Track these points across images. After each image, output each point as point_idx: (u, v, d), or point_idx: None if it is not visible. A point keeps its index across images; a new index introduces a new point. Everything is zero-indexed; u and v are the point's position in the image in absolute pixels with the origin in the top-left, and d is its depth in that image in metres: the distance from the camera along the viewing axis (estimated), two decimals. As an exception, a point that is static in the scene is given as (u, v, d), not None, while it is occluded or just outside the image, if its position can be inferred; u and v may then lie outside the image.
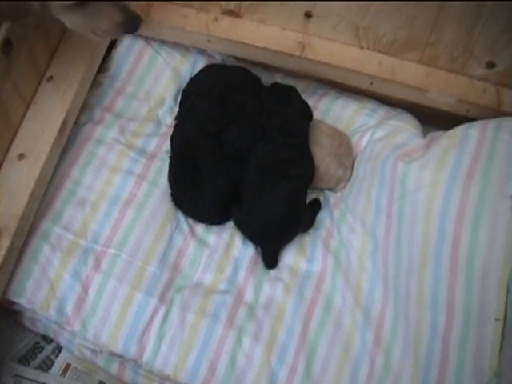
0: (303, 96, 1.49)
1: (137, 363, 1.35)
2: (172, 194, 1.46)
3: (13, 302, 1.37)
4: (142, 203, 1.45)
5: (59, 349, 1.46)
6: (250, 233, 1.44)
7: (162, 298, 1.38)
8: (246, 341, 1.34)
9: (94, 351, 1.39)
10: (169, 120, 1.55)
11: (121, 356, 1.35)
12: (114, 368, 1.41)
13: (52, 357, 1.46)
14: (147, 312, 1.37)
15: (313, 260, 1.43)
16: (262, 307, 1.38)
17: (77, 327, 1.35)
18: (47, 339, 1.46)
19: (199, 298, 1.39)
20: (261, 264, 1.43)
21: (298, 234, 1.43)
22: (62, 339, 1.43)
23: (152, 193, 1.48)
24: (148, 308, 1.37)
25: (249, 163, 1.43)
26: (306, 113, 1.46)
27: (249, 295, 1.41)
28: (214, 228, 1.47)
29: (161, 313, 1.37)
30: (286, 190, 1.37)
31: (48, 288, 1.37)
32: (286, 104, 1.44)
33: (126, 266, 1.40)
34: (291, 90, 1.48)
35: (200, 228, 1.47)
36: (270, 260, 1.43)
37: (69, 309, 1.36)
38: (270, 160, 1.42)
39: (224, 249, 1.46)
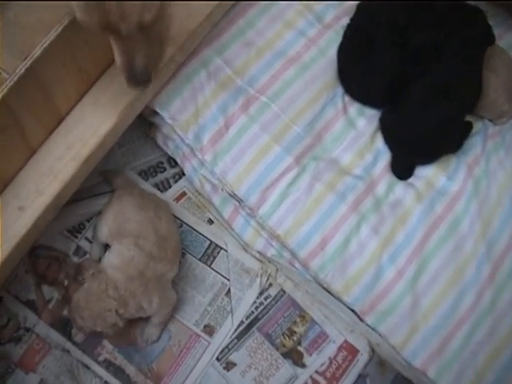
0: (490, 22, 1.30)
1: (252, 213, 1.32)
2: (339, 67, 1.39)
3: (154, 114, 1.35)
4: (306, 65, 1.39)
5: (180, 176, 1.44)
6: (392, 139, 1.37)
7: (297, 160, 1.33)
8: (365, 229, 1.28)
9: (214, 187, 1.37)
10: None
11: (240, 200, 1.32)
12: (228, 210, 1.38)
13: (171, 181, 1.44)
14: (280, 167, 1.32)
15: (453, 178, 1.35)
16: (389, 205, 1.32)
17: (208, 157, 1.33)
18: (172, 163, 1.42)
19: (332, 174, 1.34)
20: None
21: (441, 157, 1.35)
22: (188, 166, 1.40)
23: (318, 59, 1.41)
24: (282, 164, 1.33)
25: (417, 77, 1.31)
26: (489, 39, 1.30)
27: (380, 189, 1.35)
28: (368, 112, 1.36)
29: (292, 173, 1.33)
30: (444, 112, 1.26)
31: (193, 111, 1.33)
32: (469, 26, 1.32)
33: (273, 118, 1.34)
34: (478, 13, 1.36)
35: (353, 109, 1.40)
36: (404, 171, 1.37)
37: (206, 137, 1.33)
38: (437, 80, 1.28)
39: (370, 136, 1.38)
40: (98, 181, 1.33)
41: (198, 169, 1.38)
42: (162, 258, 1.18)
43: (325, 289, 1.25)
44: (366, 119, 1.39)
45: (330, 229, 1.29)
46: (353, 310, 1.22)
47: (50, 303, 1.28)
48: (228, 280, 1.33)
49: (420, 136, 1.29)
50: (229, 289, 1.33)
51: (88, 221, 1.33)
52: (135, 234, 1.16)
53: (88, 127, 1.13)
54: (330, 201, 1.31)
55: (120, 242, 1.16)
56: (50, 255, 1.31)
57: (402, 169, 1.35)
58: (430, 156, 1.35)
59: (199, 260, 1.35)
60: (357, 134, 1.38)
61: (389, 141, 1.37)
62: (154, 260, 1.16)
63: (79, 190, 1.12)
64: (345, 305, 1.23)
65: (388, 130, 1.37)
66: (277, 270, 1.33)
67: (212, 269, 1.34)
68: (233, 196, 1.29)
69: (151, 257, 1.15)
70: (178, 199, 1.40)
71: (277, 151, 1.33)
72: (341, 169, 1.34)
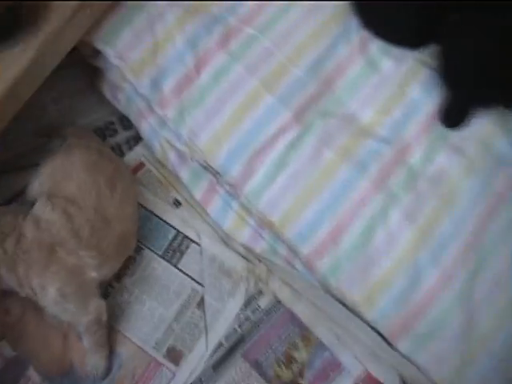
0: None
1: (234, 191, 0.97)
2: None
3: (97, 55, 1.01)
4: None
5: (136, 140, 1.11)
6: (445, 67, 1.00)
7: (298, 116, 0.97)
8: (395, 214, 0.93)
9: (181, 156, 1.02)
10: None
11: (217, 173, 0.97)
12: (200, 188, 1.03)
13: (124, 147, 1.10)
14: (273, 125, 0.96)
15: (516, 142, 0.94)
16: (428, 179, 0.96)
17: (171, 112, 0.97)
18: (125, 123, 1.11)
19: (347, 136, 0.97)
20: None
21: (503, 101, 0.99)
22: (145, 126, 1.05)
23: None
24: (276, 120, 0.97)
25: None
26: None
27: (414, 157, 0.97)
28: (395, 52, 1.03)
29: (291, 134, 0.96)
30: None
31: (149, 47, 0.99)
32: None
33: (264, 55, 0.99)
34: None
35: (374, 45, 1.03)
36: (455, 113, 1.01)
37: (168, 84, 0.98)
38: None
39: (399, 83, 1.02)
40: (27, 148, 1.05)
41: (158, 130, 1.03)
42: (90, 247, 0.90)
43: (337, 299, 0.94)
44: (394, 59, 1.02)
45: (344, 213, 0.94)
46: (377, 331, 0.90)
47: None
48: (201, 285, 1.02)
49: (478, 58, 0.96)
50: (202, 297, 1.02)
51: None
52: (69, 198, 0.90)
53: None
54: (345, 173, 0.95)
55: (47, 199, 0.89)
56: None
57: (457, 113, 1.00)
58: (488, 88, 0.99)
59: (161, 257, 1.04)
60: (381, 80, 1.02)
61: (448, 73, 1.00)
62: (78, 243, 0.89)
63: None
64: (366, 323, 0.92)
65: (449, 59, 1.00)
66: (269, 272, 1.02)
67: (179, 269, 1.03)
68: (207, 168, 0.98)
69: (76, 236, 0.89)
70: (133, 172, 1.08)
71: (269, 102, 0.97)
72: (359, 129, 0.98)
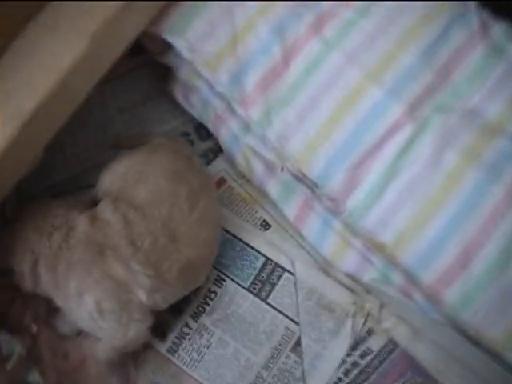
0: None
1: (335, 207, 0.79)
2: None
3: (167, 50, 0.87)
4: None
5: (216, 153, 0.95)
6: None
7: (412, 110, 0.78)
8: None
9: (268, 166, 0.85)
10: None
11: (313, 186, 0.80)
12: (294, 205, 0.86)
13: (202, 161, 0.93)
14: (382, 124, 0.78)
15: None
16: None
17: (256, 113, 0.80)
18: (202, 133, 0.95)
19: (472, 135, 0.78)
20: None
21: None
22: (224, 133, 0.89)
23: None
24: (385, 118, 0.78)
25: None
26: None
27: None
28: None
29: (403, 133, 0.78)
30: None
31: (227, 37, 0.83)
32: None
33: (366, 42, 0.82)
34: None
35: (499, 29, 0.85)
36: None
37: (251, 81, 0.81)
38: None
39: None
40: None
41: (240, 136, 0.86)
42: (147, 263, 0.73)
43: (471, 338, 0.74)
44: None
45: (476, 230, 0.74)
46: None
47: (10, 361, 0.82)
48: (297, 324, 0.83)
49: None
50: (298, 339, 0.82)
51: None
52: (134, 203, 0.75)
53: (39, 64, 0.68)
54: (475, 180, 0.76)
55: (112, 202, 0.75)
56: (9, 284, 0.82)
57: None
58: None
59: (247, 290, 0.85)
60: (508, 68, 0.82)
61: None
62: (133, 253, 0.73)
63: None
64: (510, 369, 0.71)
65: None
66: (381, 307, 0.81)
67: (269, 305, 0.84)
68: (301, 179, 0.80)
69: (131, 244, 0.73)
70: (212, 190, 0.89)
71: (376, 96, 0.79)
72: (486, 126, 0.79)
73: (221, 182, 0.91)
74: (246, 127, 0.83)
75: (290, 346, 0.82)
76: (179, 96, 0.91)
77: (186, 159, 0.82)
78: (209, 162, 0.93)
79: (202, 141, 0.94)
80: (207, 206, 0.78)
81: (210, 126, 0.89)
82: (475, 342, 0.74)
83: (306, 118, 0.77)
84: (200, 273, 0.80)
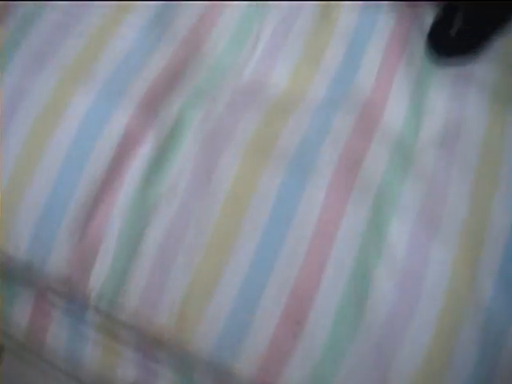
0: None
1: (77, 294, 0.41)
2: None
3: None
4: None
5: None
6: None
7: (149, 110, 0.44)
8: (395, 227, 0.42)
9: None
10: None
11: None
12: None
13: None
14: (106, 144, 0.46)
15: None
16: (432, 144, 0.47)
17: None
18: None
19: (257, 118, 0.48)
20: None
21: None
22: None
23: None
24: (111, 130, 0.45)
25: None
26: None
27: (390, 118, 0.49)
28: None
29: (144, 148, 0.43)
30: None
31: None
32: None
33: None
34: None
35: None
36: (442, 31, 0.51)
37: None
38: None
39: (320, 12, 0.55)
40: None
41: None
42: None
43: None
44: None
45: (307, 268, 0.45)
46: None
47: None
48: None
49: None
50: None
51: None
52: None
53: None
54: (274, 189, 0.49)
55: None
56: None
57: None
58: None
59: None
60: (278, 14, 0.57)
61: None
62: None
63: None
64: None
65: None
66: None
67: None
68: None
69: None
70: None
71: (87, 101, 0.50)
72: (274, 102, 0.52)
73: None
74: None
75: None
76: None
77: None
78: None
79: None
80: None
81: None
82: None
83: None
84: None
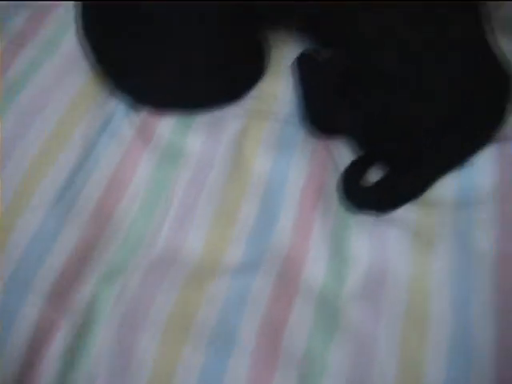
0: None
1: None
2: (99, 55, 0.59)
3: None
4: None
5: None
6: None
7: (54, 299, 0.43)
8: None
9: None
10: None
11: None
12: None
13: None
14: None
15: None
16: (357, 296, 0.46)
17: None
18: None
19: (180, 291, 0.46)
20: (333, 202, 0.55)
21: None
22: None
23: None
24: (13, 326, 0.45)
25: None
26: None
27: (311, 273, 0.48)
28: (199, 121, 0.58)
29: (58, 342, 0.45)
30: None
31: None
32: None
33: None
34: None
35: (163, 125, 0.57)
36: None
37: None
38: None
39: (231, 164, 0.56)
40: None
41: None
42: None
43: None
44: (202, 134, 0.59)
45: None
46: None
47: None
48: None
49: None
50: None
51: None
52: None
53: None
54: (196, 369, 0.46)
55: None
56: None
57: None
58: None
59: None
60: (198, 170, 0.59)
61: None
62: None
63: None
64: None
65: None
66: None
67: None
68: None
69: None
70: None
71: None
72: (195, 270, 0.52)
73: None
74: None
75: None
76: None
77: None
78: None
79: None
80: None
81: None
82: None
83: None
84: None
